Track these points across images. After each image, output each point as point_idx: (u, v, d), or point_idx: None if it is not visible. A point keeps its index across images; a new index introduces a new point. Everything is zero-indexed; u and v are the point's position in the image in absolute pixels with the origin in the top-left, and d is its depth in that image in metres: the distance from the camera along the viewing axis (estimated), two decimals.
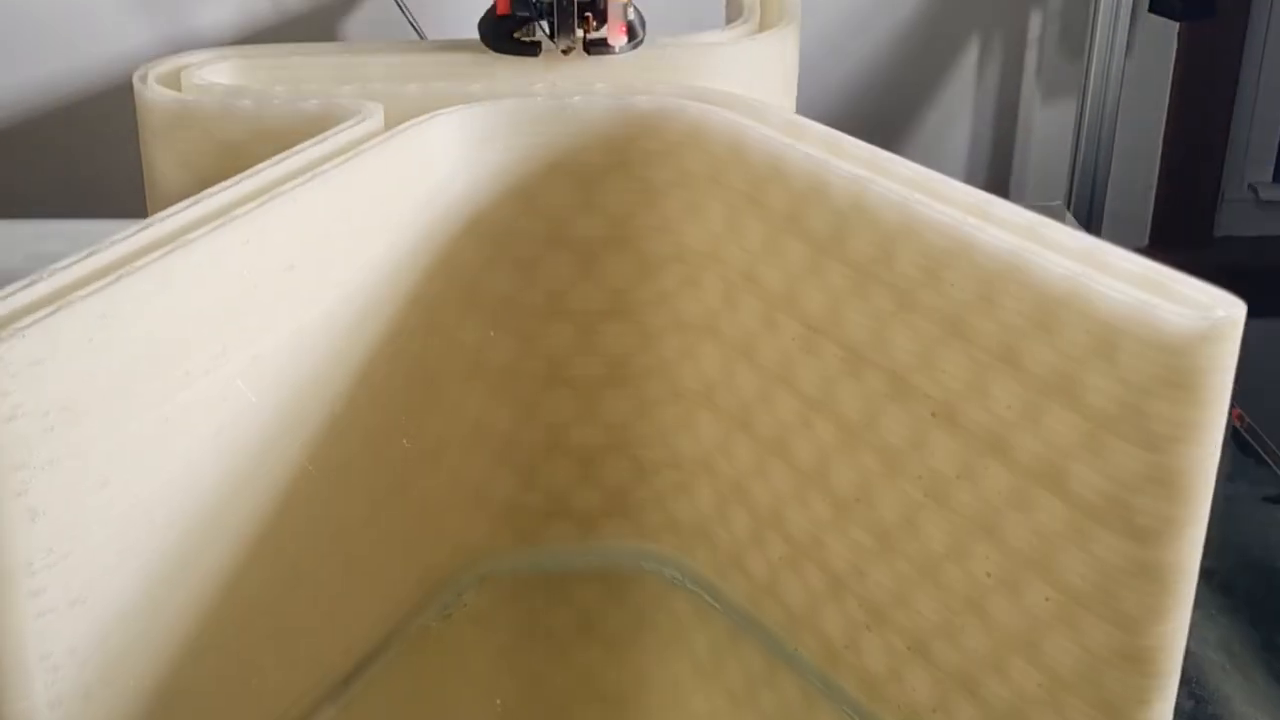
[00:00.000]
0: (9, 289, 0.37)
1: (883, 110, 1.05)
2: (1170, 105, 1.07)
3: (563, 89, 0.54)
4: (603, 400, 0.56)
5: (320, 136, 0.48)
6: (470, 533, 0.56)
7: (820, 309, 0.48)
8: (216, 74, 0.56)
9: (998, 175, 1.09)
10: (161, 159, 0.54)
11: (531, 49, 0.61)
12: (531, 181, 0.53)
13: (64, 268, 0.38)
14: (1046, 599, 0.42)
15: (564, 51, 0.61)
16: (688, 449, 0.56)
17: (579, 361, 0.56)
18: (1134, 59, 1.02)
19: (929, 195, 0.44)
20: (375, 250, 0.48)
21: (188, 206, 0.42)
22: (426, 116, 0.50)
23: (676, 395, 0.56)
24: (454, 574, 0.56)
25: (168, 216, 0.41)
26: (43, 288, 0.37)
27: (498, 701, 0.54)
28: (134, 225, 0.41)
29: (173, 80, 0.55)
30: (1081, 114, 1.00)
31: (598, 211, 0.54)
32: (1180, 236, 1.11)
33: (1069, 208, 1.02)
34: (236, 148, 0.52)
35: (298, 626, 0.48)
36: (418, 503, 0.53)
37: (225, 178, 0.52)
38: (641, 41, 0.63)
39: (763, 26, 0.63)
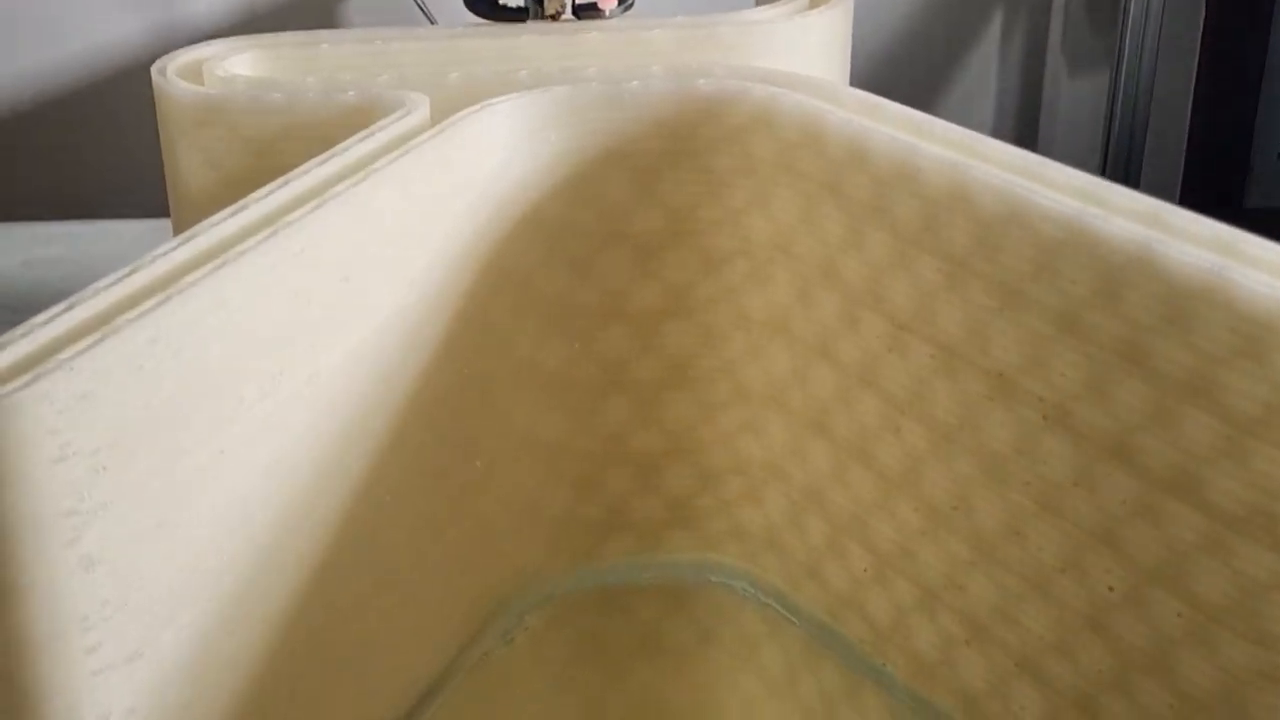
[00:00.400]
0: (47, 314, 0.33)
1: (903, 85, 1.02)
2: (1198, 74, 1.04)
3: (616, 73, 0.50)
4: (663, 405, 0.53)
5: (365, 132, 0.44)
6: (526, 551, 0.53)
7: (909, 305, 0.45)
8: (239, 65, 0.53)
9: (1024, 148, 1.06)
10: (185, 158, 0.50)
11: (518, 14, 0.58)
12: (586, 173, 0.49)
13: (105, 288, 0.34)
14: (1179, 614, 0.39)
15: (552, 17, 0.58)
16: (756, 454, 0.52)
17: (637, 365, 0.52)
18: (1163, 27, 0.99)
19: (1036, 181, 0.41)
20: (429, 255, 0.45)
21: (233, 214, 0.38)
22: (477, 106, 0.47)
23: (743, 398, 0.52)
24: (512, 596, 0.52)
25: (213, 226, 0.37)
26: (83, 312, 0.33)
27: None
28: (169, 238, 0.38)
29: (193, 73, 0.52)
30: (1115, 84, 0.97)
31: (657, 204, 0.50)
32: (1209, 208, 1.08)
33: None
34: (268, 144, 0.49)
35: (358, 665, 0.45)
36: (472, 522, 0.50)
37: (255, 176, 0.49)
38: (631, 5, 0.60)
39: (813, 3, 0.59)
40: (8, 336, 0.32)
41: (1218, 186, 1.07)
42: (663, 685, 0.56)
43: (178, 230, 0.51)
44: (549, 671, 0.54)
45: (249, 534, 0.38)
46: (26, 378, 0.31)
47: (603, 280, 0.51)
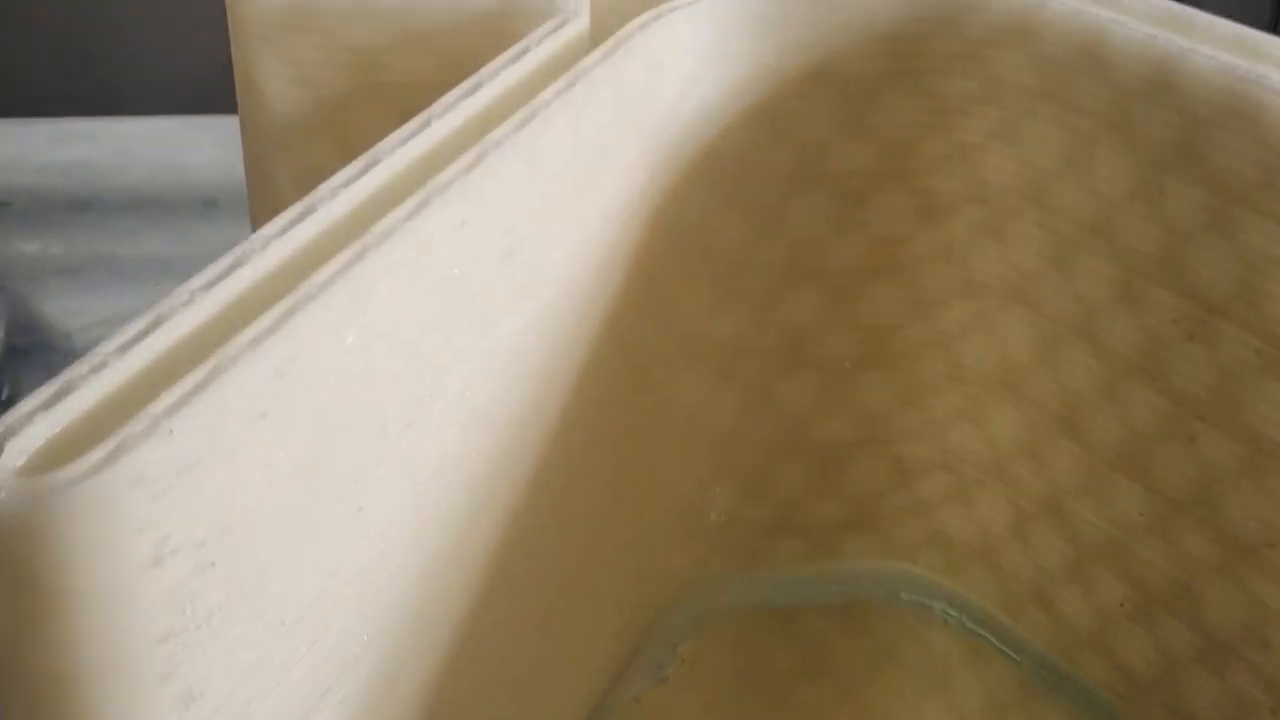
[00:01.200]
0: (121, 337, 0.22)
1: None
2: None
3: None
4: (856, 385, 0.42)
5: (519, 47, 0.33)
6: (683, 559, 0.43)
7: (1225, 283, 0.34)
8: None
9: None
10: (267, 71, 0.39)
11: None
12: (779, 100, 0.38)
13: (202, 290, 0.24)
14: None
15: None
16: (972, 448, 0.42)
17: (828, 336, 0.42)
18: None
19: None
20: (598, 211, 0.34)
21: (363, 172, 0.27)
22: (652, 14, 0.35)
23: (960, 379, 0.42)
24: (665, 615, 0.43)
25: (337, 192, 0.27)
26: (175, 330, 0.23)
27: None
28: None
29: None
30: None
31: (867, 137, 0.39)
32: None
33: None
34: (374, 58, 0.38)
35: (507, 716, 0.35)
36: (630, 530, 0.40)
37: (356, 98, 0.38)
38: None
39: None
40: (71, 372, 0.22)
41: None
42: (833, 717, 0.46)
43: (251, 161, 0.40)
44: (704, 708, 0.44)
45: (388, 604, 0.28)
46: (106, 448, 0.20)
47: (793, 231, 0.40)
